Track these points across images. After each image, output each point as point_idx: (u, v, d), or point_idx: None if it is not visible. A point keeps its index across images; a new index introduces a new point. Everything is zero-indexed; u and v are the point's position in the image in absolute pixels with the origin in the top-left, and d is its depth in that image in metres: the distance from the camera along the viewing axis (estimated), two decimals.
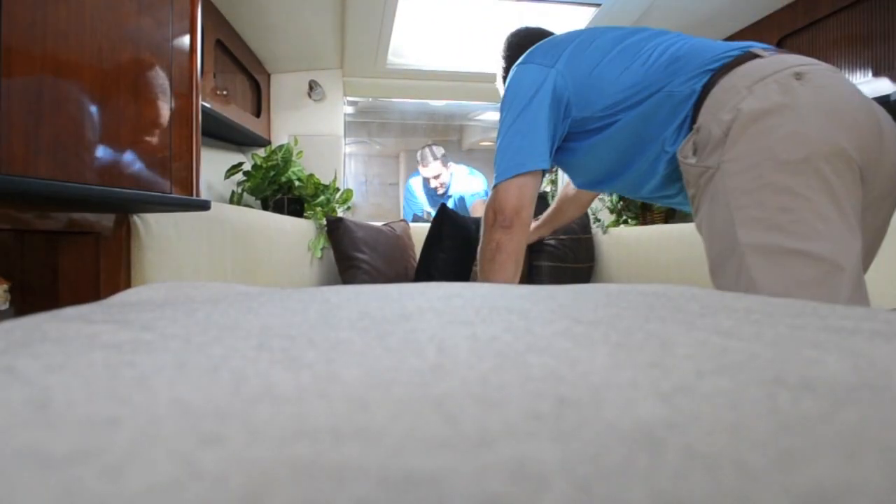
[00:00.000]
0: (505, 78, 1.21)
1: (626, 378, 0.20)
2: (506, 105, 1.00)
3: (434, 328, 0.27)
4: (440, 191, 3.00)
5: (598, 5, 1.71)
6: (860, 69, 1.45)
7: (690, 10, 1.73)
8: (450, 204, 3.04)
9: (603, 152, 0.97)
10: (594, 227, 2.32)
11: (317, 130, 2.32)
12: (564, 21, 1.84)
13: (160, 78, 0.91)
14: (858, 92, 0.77)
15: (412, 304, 0.35)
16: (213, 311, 0.32)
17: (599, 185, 1.07)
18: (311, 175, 2.06)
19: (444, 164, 2.96)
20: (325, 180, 2.17)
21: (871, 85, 1.39)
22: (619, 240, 2.19)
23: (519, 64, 1.02)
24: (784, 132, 0.72)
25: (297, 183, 1.98)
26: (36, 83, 0.67)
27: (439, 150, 2.99)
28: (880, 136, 0.74)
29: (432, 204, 3.11)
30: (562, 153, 1.02)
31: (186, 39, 0.98)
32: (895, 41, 1.37)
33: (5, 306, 0.83)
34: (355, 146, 4.43)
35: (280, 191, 1.97)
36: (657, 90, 0.87)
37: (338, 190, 2.17)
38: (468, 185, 3.03)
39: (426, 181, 3.05)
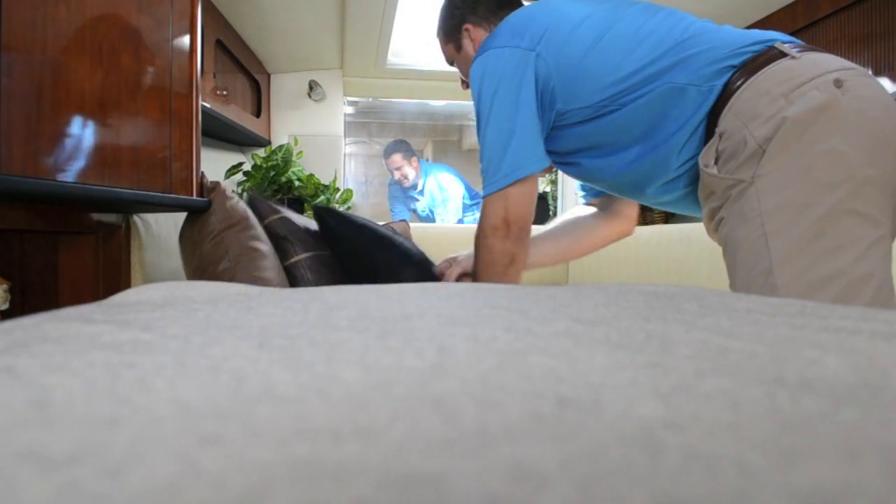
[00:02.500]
0: (450, 38, 1.06)
1: (626, 378, 0.20)
2: (487, 95, 0.88)
3: (434, 328, 0.27)
4: (405, 184, 3.01)
5: None
6: None
7: (690, 11, 1.73)
8: (423, 204, 3.04)
9: (595, 143, 0.88)
10: None
11: (317, 130, 2.32)
12: None
13: (160, 78, 0.91)
14: (893, 100, 0.71)
15: (412, 304, 0.35)
16: (213, 311, 0.32)
17: (590, 180, 0.96)
18: (311, 175, 2.06)
19: (407, 157, 2.98)
20: (325, 180, 2.17)
21: None
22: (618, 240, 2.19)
23: (493, 47, 0.89)
24: (825, 149, 0.66)
25: (297, 183, 1.99)
26: (36, 83, 0.67)
27: (402, 145, 3.00)
28: None
29: (411, 202, 3.11)
30: (547, 142, 0.92)
31: (186, 39, 0.98)
32: (895, 41, 1.37)
33: (5, 306, 0.83)
34: (355, 146, 4.43)
35: (280, 191, 1.97)
36: (666, 82, 0.78)
37: (338, 190, 2.17)
38: (445, 191, 3.02)
39: (392, 176, 3.07)
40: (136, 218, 1.06)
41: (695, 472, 0.14)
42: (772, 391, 0.19)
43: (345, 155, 2.48)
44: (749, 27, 1.78)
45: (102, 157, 0.79)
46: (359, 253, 1.05)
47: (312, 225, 1.17)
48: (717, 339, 0.26)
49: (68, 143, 0.73)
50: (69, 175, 0.73)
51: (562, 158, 0.94)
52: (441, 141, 4.48)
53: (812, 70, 0.70)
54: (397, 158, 2.97)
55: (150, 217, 1.10)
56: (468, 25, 1.03)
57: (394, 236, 1.10)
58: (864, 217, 0.65)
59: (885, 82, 1.36)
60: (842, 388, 0.19)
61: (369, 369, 0.21)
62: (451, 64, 1.11)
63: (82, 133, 0.75)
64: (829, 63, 0.71)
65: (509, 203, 0.87)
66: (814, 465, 0.14)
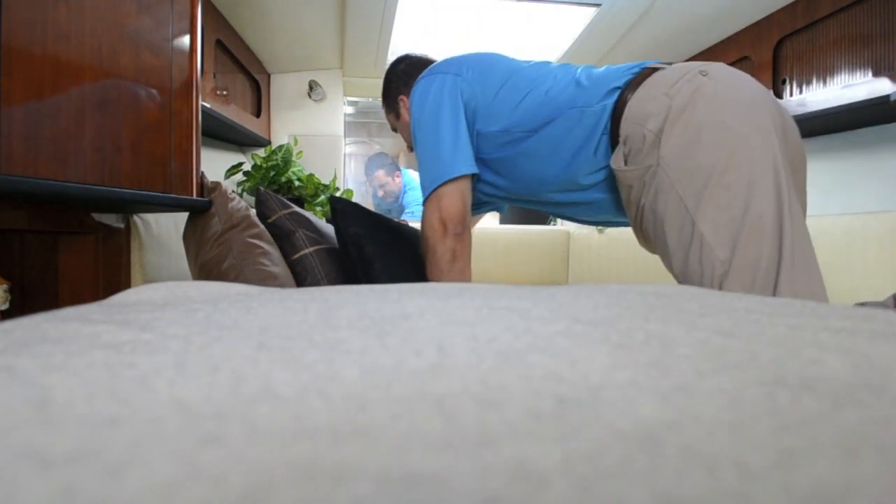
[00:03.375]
0: (391, 108, 1.25)
1: (626, 378, 0.20)
2: (416, 117, 1.01)
3: (434, 328, 0.27)
4: (388, 199, 2.91)
5: (598, 5, 1.71)
6: (860, 69, 1.45)
7: (690, 11, 1.73)
8: (405, 210, 2.96)
9: (514, 167, 1.00)
10: (588, 226, 2.32)
11: (317, 130, 2.31)
12: (564, 21, 1.83)
13: (160, 78, 0.91)
14: (755, 80, 0.88)
15: (412, 304, 0.35)
16: (213, 311, 0.32)
17: (511, 199, 1.09)
18: (311, 175, 2.06)
19: (390, 173, 2.88)
20: (325, 180, 2.17)
21: (870, 85, 1.39)
22: (618, 240, 2.19)
23: (422, 77, 1.04)
24: (705, 120, 0.80)
25: (297, 183, 1.98)
26: (36, 83, 0.67)
27: (384, 159, 2.91)
28: (781, 117, 0.85)
29: (393, 211, 3.00)
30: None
31: (186, 39, 0.98)
32: (895, 41, 1.37)
33: (5, 306, 0.83)
34: (355, 146, 4.43)
35: (280, 191, 1.97)
36: (566, 109, 0.93)
37: (338, 189, 2.17)
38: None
39: (376, 192, 2.97)
40: (136, 218, 1.06)
41: (695, 472, 0.14)
42: (772, 391, 0.19)
43: (345, 155, 2.48)
44: (749, 27, 1.78)
45: (102, 157, 0.79)
46: (373, 238, 1.09)
47: (321, 222, 1.19)
48: (717, 339, 0.26)
49: (68, 143, 0.73)
50: (69, 175, 0.73)
51: (485, 187, 1.08)
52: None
53: (681, 70, 0.87)
54: (381, 175, 2.87)
55: (150, 217, 1.10)
56: (402, 97, 1.20)
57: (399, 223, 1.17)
58: (755, 163, 0.77)
59: (885, 82, 1.36)
60: (842, 388, 0.19)
61: (369, 369, 0.21)
62: (395, 130, 1.29)
63: (82, 133, 0.75)
64: (692, 64, 0.88)
65: (441, 203, 0.96)
66: (814, 464, 0.14)
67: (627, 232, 2.22)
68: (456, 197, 0.96)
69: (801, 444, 0.15)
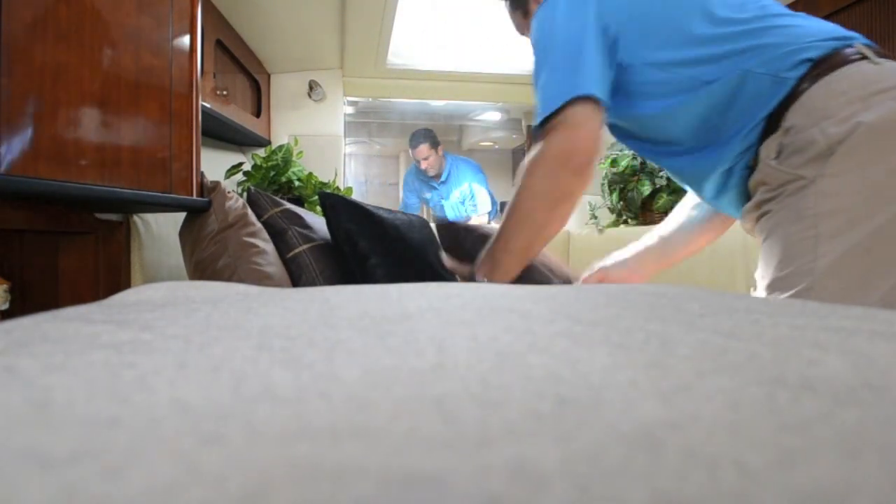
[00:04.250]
0: (520, 3, 1.02)
1: (626, 378, 0.20)
2: (539, 44, 0.83)
3: (434, 328, 0.27)
4: (430, 172, 3.02)
5: None
6: None
7: None
8: (440, 195, 3.05)
9: (659, 124, 0.82)
10: (588, 226, 2.32)
11: (317, 130, 2.31)
12: None
13: (160, 78, 0.91)
14: None
15: (412, 304, 0.35)
16: (213, 312, 0.32)
17: (646, 154, 0.91)
18: (311, 174, 2.06)
19: (434, 147, 2.99)
20: (326, 180, 2.17)
21: None
22: (618, 240, 2.19)
23: None
24: (894, 164, 0.64)
25: (297, 183, 1.98)
26: (36, 83, 0.67)
27: (429, 134, 2.99)
28: None
29: (426, 190, 3.13)
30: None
31: (186, 39, 0.98)
32: (895, 41, 1.37)
33: (5, 306, 0.83)
34: (355, 146, 4.43)
35: (280, 191, 1.97)
36: (739, 66, 0.73)
37: (338, 189, 2.17)
38: (474, 199, 3.03)
39: (417, 165, 3.07)
40: (136, 218, 1.06)
41: (695, 472, 0.14)
42: (772, 391, 0.19)
43: (345, 155, 2.48)
44: None
45: (102, 156, 0.79)
46: (367, 237, 1.06)
47: (314, 217, 1.18)
48: (717, 339, 0.26)
49: (68, 143, 0.73)
50: (69, 175, 0.73)
51: (619, 133, 0.91)
52: (441, 141, 4.48)
53: (893, 79, 0.68)
54: (424, 149, 2.97)
55: (150, 217, 1.10)
56: None
57: (395, 220, 1.14)
58: None
59: None
60: (842, 388, 0.19)
61: (369, 369, 0.21)
62: (522, 33, 1.05)
63: (82, 133, 0.75)
64: None
65: (570, 131, 0.76)
66: (814, 465, 0.14)
67: (627, 232, 2.22)
68: (587, 125, 0.75)
69: (801, 444, 0.15)
